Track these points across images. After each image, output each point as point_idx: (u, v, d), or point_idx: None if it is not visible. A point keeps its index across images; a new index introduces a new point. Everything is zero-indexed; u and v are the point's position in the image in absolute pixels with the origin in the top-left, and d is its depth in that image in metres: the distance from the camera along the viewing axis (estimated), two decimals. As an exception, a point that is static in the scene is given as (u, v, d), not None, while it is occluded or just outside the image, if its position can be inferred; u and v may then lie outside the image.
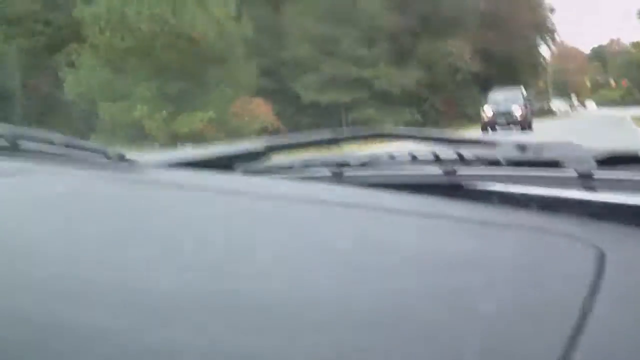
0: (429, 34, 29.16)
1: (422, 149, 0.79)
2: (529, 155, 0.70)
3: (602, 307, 0.39)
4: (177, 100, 15.24)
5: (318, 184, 0.74)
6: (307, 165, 0.84)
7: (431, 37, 28.99)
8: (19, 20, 19.33)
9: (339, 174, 0.77)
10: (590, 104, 72.20)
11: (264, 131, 18.17)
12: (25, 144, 0.83)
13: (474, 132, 19.25)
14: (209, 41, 15.46)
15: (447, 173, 0.70)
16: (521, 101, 22.92)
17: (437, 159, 0.75)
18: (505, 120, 21.84)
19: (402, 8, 27.51)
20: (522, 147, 0.71)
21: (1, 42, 17.78)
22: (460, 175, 0.70)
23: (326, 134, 0.95)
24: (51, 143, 0.84)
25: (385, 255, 0.49)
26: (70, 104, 17.08)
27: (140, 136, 15.85)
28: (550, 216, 0.57)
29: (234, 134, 16.48)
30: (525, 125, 21.85)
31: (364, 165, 0.80)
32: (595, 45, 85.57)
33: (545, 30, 47.60)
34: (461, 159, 0.73)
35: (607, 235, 0.52)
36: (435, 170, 0.72)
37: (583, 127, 25.93)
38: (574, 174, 0.62)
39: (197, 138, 14.88)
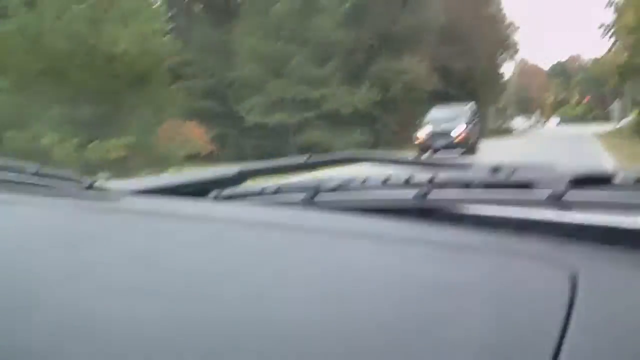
0: (385, 51, 28.37)
1: (395, 172, 0.80)
2: (502, 177, 0.70)
3: (576, 328, 0.40)
4: (91, 126, 13.85)
5: (291, 209, 0.76)
6: (280, 190, 0.84)
7: (386, 54, 28.20)
8: None
9: (311, 198, 0.78)
10: (553, 121, 73.29)
11: (195, 157, 17.16)
12: None
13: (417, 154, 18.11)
14: (130, 60, 14.11)
15: (419, 196, 0.70)
16: (466, 119, 19.85)
17: (410, 183, 0.75)
18: (444, 142, 18.79)
19: (357, 24, 26.64)
20: (494, 169, 0.72)
21: None
22: (433, 199, 0.70)
23: (300, 159, 0.97)
24: (21, 172, 0.85)
25: (358, 280, 0.51)
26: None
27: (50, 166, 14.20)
28: (523, 238, 0.58)
29: (161, 160, 15.20)
30: (469, 147, 18.78)
31: (336, 189, 0.80)
32: (556, 62, 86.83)
33: (506, 47, 47.53)
34: (434, 182, 0.73)
35: (579, 256, 0.52)
36: (407, 193, 0.72)
37: (541, 145, 25.35)
38: (547, 196, 0.62)
39: (115, 166, 13.56)
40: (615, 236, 0.56)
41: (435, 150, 18.68)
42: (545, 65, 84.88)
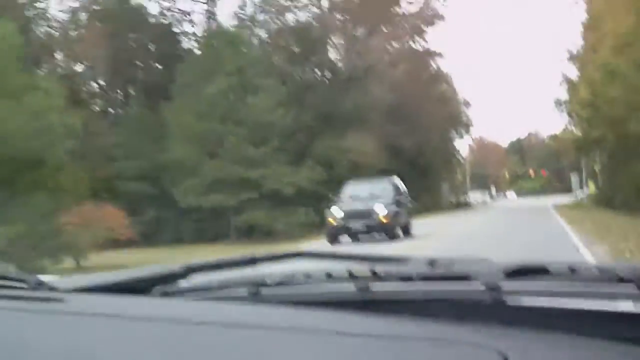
0: (328, 130, 27.71)
1: (337, 267, 0.84)
2: (440, 270, 0.76)
3: None
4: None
5: (236, 304, 0.79)
6: (225, 285, 0.87)
7: (330, 133, 27.52)
8: None
9: (256, 293, 0.81)
10: (511, 194, 73.91)
11: (114, 242, 15.63)
12: None
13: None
14: (22, 140, 12.78)
15: (361, 290, 0.75)
16: (390, 197, 16.28)
17: (352, 276, 0.79)
18: (363, 224, 15.42)
19: (298, 104, 25.98)
20: (432, 262, 0.78)
21: None
22: (374, 292, 0.75)
23: (245, 255, 0.99)
24: None
25: None
26: None
27: None
28: (460, 327, 0.63)
29: (63, 248, 13.62)
30: (393, 231, 15.47)
31: (281, 284, 0.84)
32: (514, 139, 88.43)
33: (459, 124, 47.62)
34: (375, 276, 0.78)
35: (510, 340, 0.58)
36: (350, 287, 0.77)
37: (493, 220, 24.37)
38: (483, 287, 0.68)
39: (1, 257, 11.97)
40: (545, 321, 0.62)
41: (352, 235, 15.68)
42: (504, 143, 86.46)
